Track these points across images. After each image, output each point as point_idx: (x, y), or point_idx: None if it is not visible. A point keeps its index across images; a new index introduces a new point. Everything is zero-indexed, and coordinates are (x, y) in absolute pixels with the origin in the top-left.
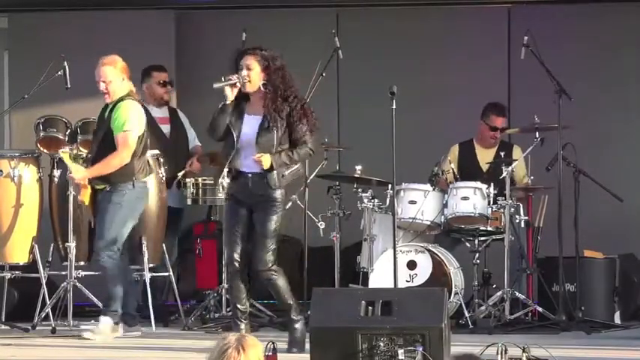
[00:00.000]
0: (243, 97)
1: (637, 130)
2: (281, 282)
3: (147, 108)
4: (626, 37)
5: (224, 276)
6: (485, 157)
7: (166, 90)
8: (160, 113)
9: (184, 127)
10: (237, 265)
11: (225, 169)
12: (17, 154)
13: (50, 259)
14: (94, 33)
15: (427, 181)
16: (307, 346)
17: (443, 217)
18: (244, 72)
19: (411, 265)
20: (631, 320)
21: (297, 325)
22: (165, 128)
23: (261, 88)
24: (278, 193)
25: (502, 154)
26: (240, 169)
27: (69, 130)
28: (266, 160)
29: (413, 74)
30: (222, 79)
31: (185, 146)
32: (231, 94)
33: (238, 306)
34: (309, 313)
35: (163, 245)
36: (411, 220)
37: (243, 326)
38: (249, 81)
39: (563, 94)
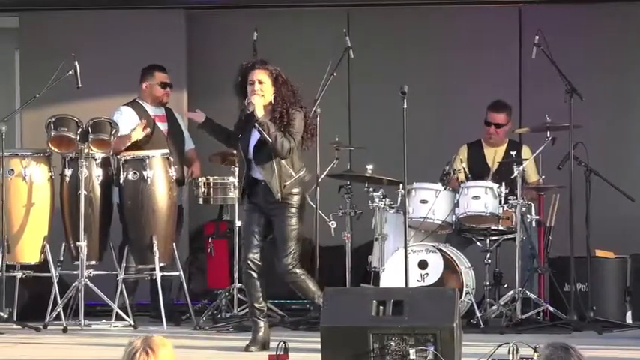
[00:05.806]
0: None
1: None
2: (304, 284)
3: (144, 106)
4: (637, 37)
5: (235, 275)
6: (493, 156)
7: (166, 92)
8: (157, 111)
9: (180, 126)
10: (250, 263)
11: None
12: (29, 154)
13: (62, 258)
14: (104, 32)
15: (438, 180)
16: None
17: (454, 216)
18: (256, 86)
19: (423, 264)
20: None
21: None
22: (163, 126)
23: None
24: (294, 199)
25: (513, 153)
26: (254, 176)
27: (80, 130)
28: (259, 105)
29: (424, 73)
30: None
31: (182, 145)
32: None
33: (255, 305)
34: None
35: (174, 244)
36: (422, 220)
37: (262, 324)
38: (263, 95)
39: (575, 94)
